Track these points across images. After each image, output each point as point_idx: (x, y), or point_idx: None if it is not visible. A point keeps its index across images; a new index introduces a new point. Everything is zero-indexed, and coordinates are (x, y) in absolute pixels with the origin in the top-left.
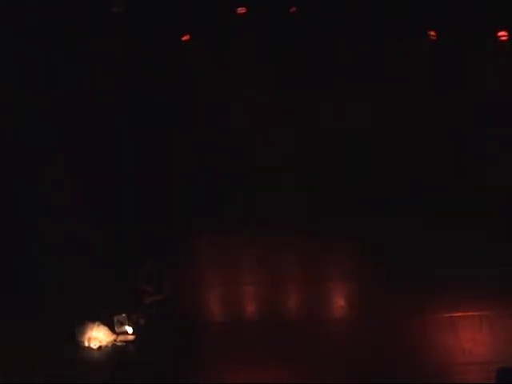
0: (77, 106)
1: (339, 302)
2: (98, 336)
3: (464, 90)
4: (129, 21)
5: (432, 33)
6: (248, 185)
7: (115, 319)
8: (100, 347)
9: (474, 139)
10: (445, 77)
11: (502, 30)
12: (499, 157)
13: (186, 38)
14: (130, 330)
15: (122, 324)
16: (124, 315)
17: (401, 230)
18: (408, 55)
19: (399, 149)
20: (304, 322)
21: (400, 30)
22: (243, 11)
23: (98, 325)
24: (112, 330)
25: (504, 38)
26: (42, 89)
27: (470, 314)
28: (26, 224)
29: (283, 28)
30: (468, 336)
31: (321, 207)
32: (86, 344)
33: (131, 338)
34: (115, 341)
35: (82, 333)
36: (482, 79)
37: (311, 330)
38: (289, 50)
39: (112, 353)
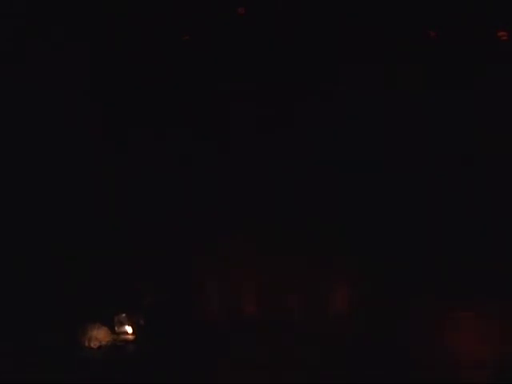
0: (74, 106)
1: (339, 302)
2: (98, 336)
3: (463, 90)
4: (129, 21)
5: (432, 33)
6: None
7: (115, 319)
8: (100, 347)
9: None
10: (444, 77)
11: (501, 30)
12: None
13: (185, 38)
14: (129, 329)
15: (122, 324)
16: (124, 315)
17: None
18: (407, 55)
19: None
20: (303, 323)
21: (400, 30)
22: (243, 11)
23: (98, 325)
24: (112, 330)
25: (504, 38)
26: (41, 89)
27: (469, 314)
28: (25, 224)
29: (283, 28)
30: (468, 336)
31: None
32: (86, 344)
33: (131, 337)
34: (115, 341)
35: (82, 333)
36: (482, 79)
37: (311, 331)
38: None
39: (112, 353)
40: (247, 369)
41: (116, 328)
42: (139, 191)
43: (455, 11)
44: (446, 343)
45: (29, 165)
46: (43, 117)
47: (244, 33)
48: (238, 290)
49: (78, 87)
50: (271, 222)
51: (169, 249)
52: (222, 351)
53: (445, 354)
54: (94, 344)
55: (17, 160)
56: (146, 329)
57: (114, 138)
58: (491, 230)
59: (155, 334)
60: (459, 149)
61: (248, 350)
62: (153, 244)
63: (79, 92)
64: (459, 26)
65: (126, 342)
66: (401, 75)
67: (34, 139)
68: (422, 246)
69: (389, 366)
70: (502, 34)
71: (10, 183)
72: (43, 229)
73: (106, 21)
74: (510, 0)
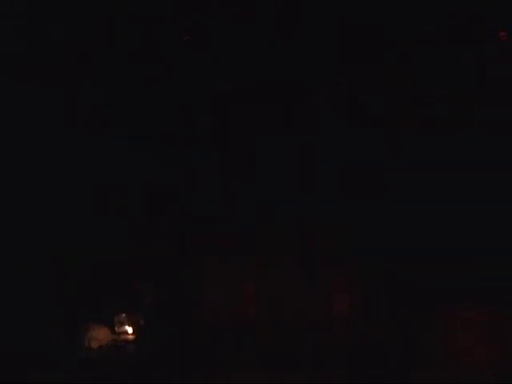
0: (74, 106)
1: (340, 302)
2: (98, 336)
3: (464, 90)
4: (129, 21)
5: (433, 33)
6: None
7: (115, 319)
8: (100, 347)
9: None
10: (445, 77)
11: (502, 30)
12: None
13: (185, 38)
14: (130, 329)
15: (122, 324)
16: (124, 315)
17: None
18: (407, 55)
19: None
20: (304, 323)
21: (400, 30)
22: (243, 11)
23: (98, 325)
24: (112, 330)
25: (504, 38)
26: (41, 89)
27: (469, 314)
28: (25, 224)
29: (283, 28)
30: (468, 336)
31: None
32: (86, 344)
33: (131, 337)
34: (115, 341)
35: (82, 333)
36: (482, 79)
37: (311, 331)
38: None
39: (112, 353)
40: (247, 369)
41: (116, 328)
42: (139, 191)
43: (455, 11)
44: (446, 343)
45: (29, 165)
46: (42, 117)
47: (244, 33)
48: (238, 291)
49: (78, 87)
50: (271, 222)
51: (169, 249)
52: (222, 351)
53: (445, 353)
54: (94, 344)
55: (17, 161)
56: (146, 329)
57: (113, 138)
58: (491, 230)
59: (155, 333)
60: (459, 149)
61: (248, 350)
62: (153, 244)
63: (79, 92)
64: (459, 25)
65: (126, 341)
66: (401, 75)
67: (33, 140)
68: (423, 246)
69: (389, 365)
70: (502, 34)
71: (10, 184)
72: (43, 229)
73: (106, 21)
74: (510, 0)
